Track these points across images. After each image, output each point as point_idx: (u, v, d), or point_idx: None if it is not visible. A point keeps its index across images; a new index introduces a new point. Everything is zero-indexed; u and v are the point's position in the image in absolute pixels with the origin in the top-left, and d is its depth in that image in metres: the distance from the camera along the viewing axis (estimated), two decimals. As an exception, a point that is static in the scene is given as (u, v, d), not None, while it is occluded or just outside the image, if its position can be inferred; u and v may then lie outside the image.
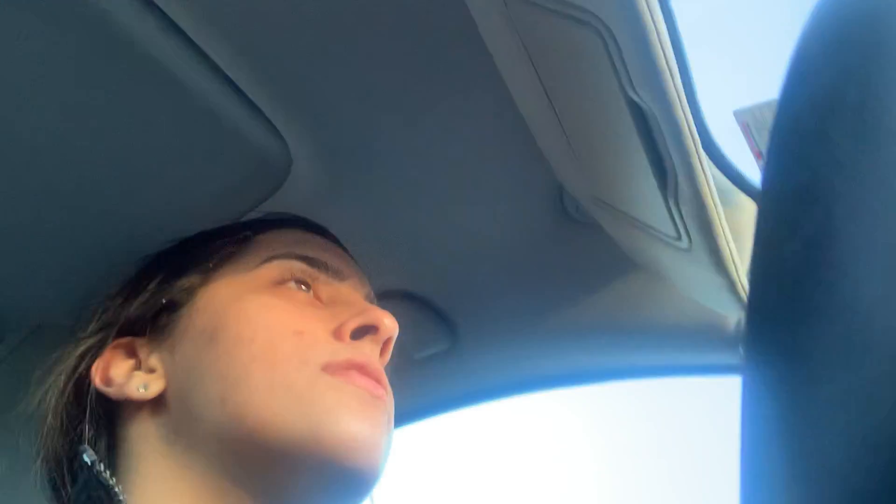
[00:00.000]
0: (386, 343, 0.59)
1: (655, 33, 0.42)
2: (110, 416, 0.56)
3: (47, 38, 0.52)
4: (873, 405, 0.15)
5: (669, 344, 0.81)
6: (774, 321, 0.17)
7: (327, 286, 0.61)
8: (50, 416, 0.57)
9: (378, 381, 0.56)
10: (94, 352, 0.58)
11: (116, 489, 0.51)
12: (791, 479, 0.16)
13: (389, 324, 0.58)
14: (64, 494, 0.55)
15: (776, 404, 0.17)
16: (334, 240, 0.68)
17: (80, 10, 0.50)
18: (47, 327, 0.73)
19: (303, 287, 0.60)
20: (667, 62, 0.43)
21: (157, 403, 0.55)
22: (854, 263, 0.16)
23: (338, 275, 0.62)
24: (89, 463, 0.52)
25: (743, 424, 0.18)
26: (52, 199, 0.64)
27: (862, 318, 0.16)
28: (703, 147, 0.52)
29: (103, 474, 0.52)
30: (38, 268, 0.70)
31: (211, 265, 0.60)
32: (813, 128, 0.18)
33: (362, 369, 0.54)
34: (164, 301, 0.59)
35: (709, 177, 0.51)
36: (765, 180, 0.19)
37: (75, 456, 0.54)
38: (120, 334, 0.59)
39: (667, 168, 0.52)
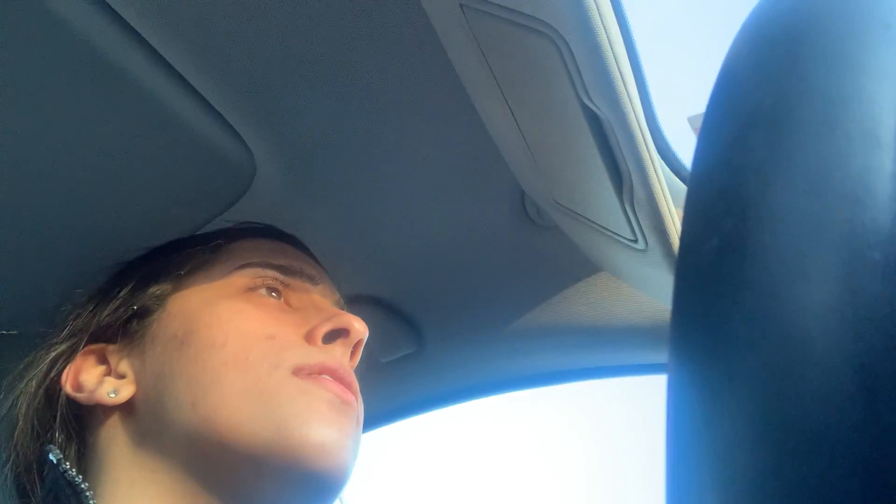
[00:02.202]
0: (356, 346, 0.60)
1: (608, 42, 0.43)
2: (81, 421, 0.57)
3: (7, 48, 0.52)
4: (781, 393, 0.16)
5: (631, 343, 0.82)
6: (695, 316, 0.19)
7: (298, 293, 0.62)
8: (21, 421, 0.57)
9: (349, 385, 0.56)
10: (66, 358, 0.58)
11: (83, 486, 0.51)
12: (714, 476, 0.17)
13: (360, 327, 0.59)
14: (33, 499, 0.55)
15: (697, 396, 0.18)
16: (304, 249, 0.69)
17: (40, 20, 0.50)
18: (15, 335, 0.72)
19: (273, 294, 0.61)
20: (620, 70, 0.45)
21: (127, 408, 0.55)
22: (764, 261, 0.18)
23: (310, 280, 0.63)
24: (55, 461, 0.52)
25: (668, 418, 0.19)
26: (17, 208, 0.64)
27: (771, 311, 0.17)
28: (657, 151, 0.54)
29: (69, 472, 0.52)
30: (6, 276, 0.70)
31: (183, 273, 0.61)
32: (733, 135, 0.20)
33: (334, 373, 0.55)
34: (135, 308, 0.59)
35: (662, 180, 0.53)
36: (691, 183, 0.21)
37: (45, 459, 0.54)
38: (91, 341, 0.59)
39: (622, 173, 0.53)
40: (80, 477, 0.52)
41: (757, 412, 0.17)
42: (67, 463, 0.53)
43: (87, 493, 0.51)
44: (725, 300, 0.18)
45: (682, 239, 0.20)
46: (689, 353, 0.18)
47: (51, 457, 0.53)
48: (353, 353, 0.60)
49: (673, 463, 0.19)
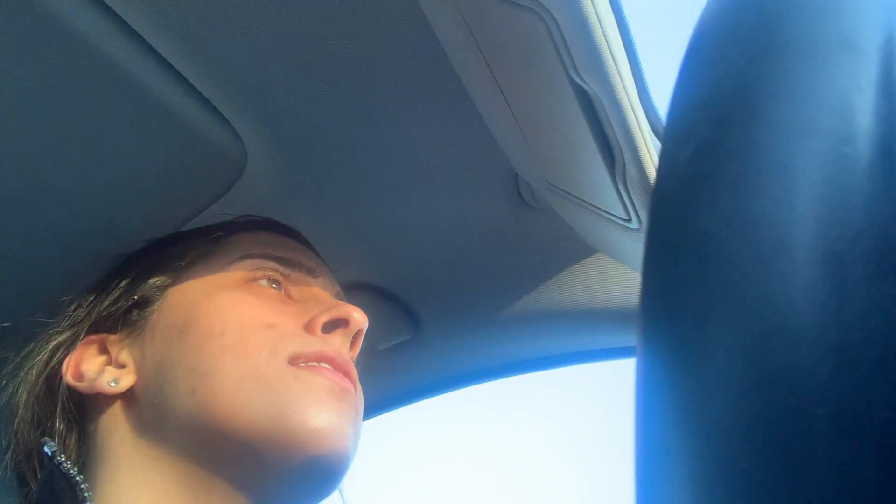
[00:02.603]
0: (356, 336, 0.60)
1: (596, 17, 0.43)
2: (81, 410, 0.57)
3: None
4: (755, 283, 0.17)
5: (627, 324, 0.82)
6: (670, 219, 0.19)
7: (298, 285, 0.63)
8: (21, 410, 0.58)
9: (347, 374, 0.56)
10: (66, 347, 0.59)
11: (78, 478, 0.51)
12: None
13: (359, 317, 0.59)
14: (32, 487, 0.56)
15: (669, 294, 0.18)
16: (305, 241, 0.69)
17: (29, 12, 0.50)
18: (14, 325, 0.72)
19: (274, 285, 0.61)
20: (609, 46, 0.44)
21: (127, 397, 0.56)
22: (742, 161, 0.18)
23: (310, 273, 0.64)
24: (50, 454, 0.53)
25: (640, 348, 0.19)
26: (10, 201, 0.64)
27: (746, 207, 0.18)
28: (650, 128, 0.54)
29: (64, 465, 0.52)
30: (4, 268, 0.70)
31: (183, 264, 0.61)
32: (713, 52, 0.21)
33: (332, 362, 0.56)
34: (135, 298, 0.60)
35: (655, 158, 0.52)
36: (670, 105, 0.21)
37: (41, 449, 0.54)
38: (92, 331, 0.59)
39: (614, 151, 0.53)
40: (76, 469, 0.52)
41: (727, 301, 0.18)
42: (63, 455, 0.53)
43: (83, 486, 0.51)
44: (697, 199, 0.19)
45: (662, 154, 0.21)
46: (662, 255, 0.19)
47: (45, 449, 0.53)
48: (352, 344, 0.60)
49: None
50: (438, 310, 0.89)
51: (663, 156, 0.20)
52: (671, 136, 0.20)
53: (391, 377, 0.95)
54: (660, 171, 0.20)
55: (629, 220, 0.59)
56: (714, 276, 0.18)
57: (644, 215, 0.57)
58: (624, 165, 0.53)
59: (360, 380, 0.60)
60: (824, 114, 0.18)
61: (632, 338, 0.83)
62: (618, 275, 0.80)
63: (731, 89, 0.20)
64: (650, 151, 0.52)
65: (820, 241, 0.17)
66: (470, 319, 0.89)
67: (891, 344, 0.16)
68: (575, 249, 0.80)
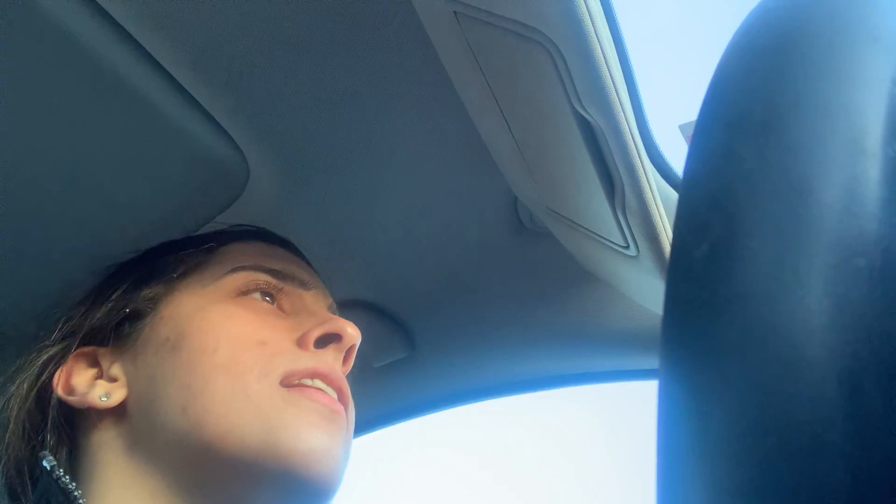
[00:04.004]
0: (349, 351, 0.59)
1: (601, 50, 0.43)
2: (72, 424, 0.56)
3: (4, 54, 0.52)
4: (768, 395, 0.17)
5: (622, 348, 0.83)
6: (685, 320, 0.19)
7: (291, 298, 0.62)
8: (12, 423, 0.57)
9: (339, 389, 0.56)
10: (57, 360, 0.58)
11: (76, 493, 0.51)
12: (703, 477, 0.18)
13: (352, 332, 0.58)
14: (24, 501, 0.55)
15: (687, 398, 0.18)
16: (297, 252, 0.69)
17: (36, 25, 0.51)
18: (6, 336, 0.72)
19: (267, 298, 0.60)
20: (612, 78, 0.45)
21: (118, 412, 0.55)
22: (753, 267, 0.18)
23: (302, 285, 0.63)
24: (49, 468, 0.52)
25: (659, 424, 0.19)
26: (10, 210, 0.64)
27: (758, 316, 0.18)
28: (649, 159, 0.54)
29: (63, 479, 0.52)
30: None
31: (175, 275, 0.61)
32: (724, 145, 0.21)
33: (325, 378, 0.55)
34: (127, 310, 0.59)
35: (654, 188, 0.53)
36: (682, 190, 0.21)
37: (36, 463, 0.54)
38: (83, 343, 0.59)
39: (614, 180, 0.54)
40: (74, 484, 0.52)
41: (745, 414, 0.17)
42: (61, 469, 0.53)
43: (81, 502, 0.51)
44: (714, 305, 0.19)
45: (673, 245, 0.20)
46: (679, 357, 0.19)
47: (44, 463, 0.53)
48: (345, 359, 0.60)
49: (663, 466, 0.19)
50: (435, 329, 0.89)
51: (676, 247, 0.20)
52: (685, 229, 0.20)
53: (386, 395, 0.95)
54: (674, 264, 0.20)
55: (627, 247, 0.60)
56: (732, 386, 0.18)
57: (642, 242, 0.58)
58: (623, 194, 0.54)
59: (355, 397, 0.59)
60: (836, 221, 0.18)
61: (628, 361, 0.83)
62: (614, 300, 0.80)
63: (744, 189, 0.19)
64: (650, 181, 0.53)
65: (837, 357, 0.17)
66: (466, 339, 0.89)
67: None
68: (572, 273, 0.80)
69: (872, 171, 0.19)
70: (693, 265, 0.19)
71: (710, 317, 0.19)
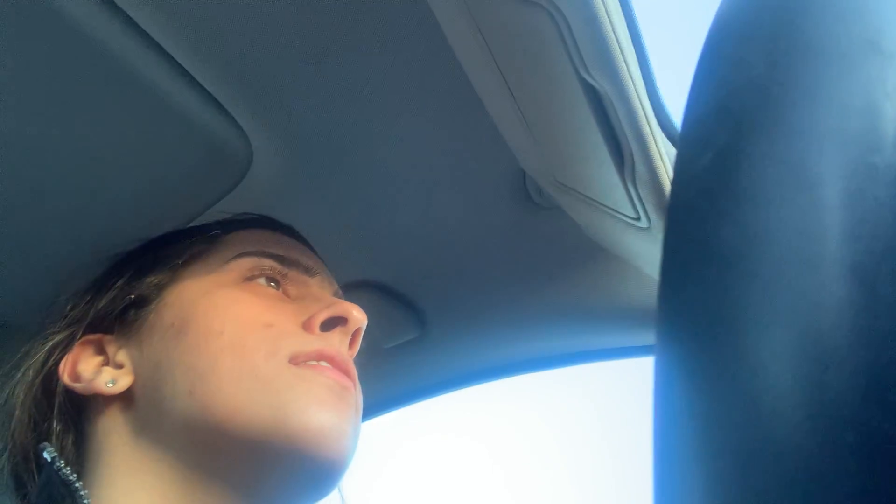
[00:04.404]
0: (355, 334, 0.59)
1: (606, 14, 0.42)
2: (78, 411, 0.57)
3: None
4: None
5: (635, 323, 0.82)
6: (688, 226, 0.18)
7: (296, 283, 0.62)
8: (18, 411, 0.57)
9: (346, 372, 0.56)
10: (63, 347, 0.58)
11: (77, 485, 0.51)
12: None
13: (358, 315, 0.58)
14: (29, 489, 0.55)
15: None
16: (302, 239, 0.69)
17: (33, 7, 0.50)
18: (10, 325, 0.72)
19: (272, 284, 0.60)
20: (619, 43, 0.44)
21: (125, 398, 0.55)
22: (760, 169, 0.18)
23: (307, 271, 0.63)
24: (49, 460, 0.52)
25: (657, 361, 0.18)
26: (12, 198, 0.64)
27: (765, 217, 0.17)
28: (659, 126, 0.53)
29: (64, 471, 0.52)
30: (3, 267, 0.70)
31: (180, 262, 0.61)
32: (731, 54, 0.20)
33: (331, 360, 0.55)
34: (132, 297, 0.59)
35: (664, 156, 0.52)
36: (686, 109, 0.20)
37: (40, 456, 0.54)
38: (88, 331, 0.59)
39: (623, 149, 0.52)
40: (75, 476, 0.52)
41: (752, 319, 0.17)
42: (63, 461, 0.53)
43: (82, 493, 0.51)
44: (717, 210, 0.18)
45: (677, 160, 0.20)
46: (681, 268, 0.18)
47: (45, 455, 0.53)
48: (352, 342, 0.60)
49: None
50: (445, 308, 0.88)
51: (679, 162, 0.20)
52: (688, 142, 0.19)
53: (397, 376, 0.95)
54: (676, 177, 0.19)
55: (638, 219, 0.59)
56: (737, 291, 0.17)
57: (653, 214, 0.56)
58: (633, 163, 0.53)
59: (365, 379, 0.59)
60: (850, 120, 0.17)
61: (641, 337, 0.83)
62: (626, 273, 0.79)
63: (751, 93, 0.19)
64: (660, 149, 0.51)
65: (848, 254, 0.16)
66: (476, 318, 0.88)
67: None
68: (583, 248, 0.79)
69: (890, 72, 0.18)
70: (695, 176, 0.19)
71: (713, 223, 0.18)
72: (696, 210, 0.18)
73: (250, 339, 0.53)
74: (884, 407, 0.15)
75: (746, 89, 0.19)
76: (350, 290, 0.68)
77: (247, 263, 0.60)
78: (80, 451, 0.55)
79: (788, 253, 0.17)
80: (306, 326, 0.56)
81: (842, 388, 0.15)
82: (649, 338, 0.82)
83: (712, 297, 0.17)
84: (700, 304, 0.18)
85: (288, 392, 0.51)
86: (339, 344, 0.57)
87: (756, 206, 0.17)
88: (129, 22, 0.53)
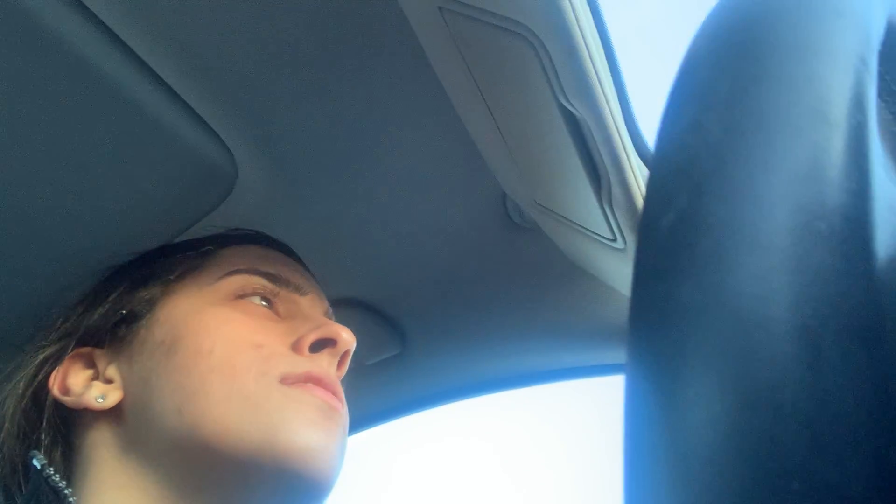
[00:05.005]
0: (343, 356, 0.60)
1: (584, 44, 0.44)
2: (67, 424, 0.57)
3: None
4: (729, 354, 0.17)
5: (612, 342, 0.83)
6: (651, 285, 0.20)
7: (287, 302, 0.62)
8: (7, 423, 0.57)
9: (334, 393, 0.56)
10: (54, 360, 0.58)
11: (66, 491, 0.51)
12: (667, 429, 0.18)
13: (347, 337, 0.59)
14: (17, 501, 0.55)
15: (652, 359, 0.19)
16: (295, 256, 0.69)
17: (17, 22, 0.50)
18: (2, 339, 0.72)
19: (263, 302, 0.61)
20: (597, 72, 0.46)
21: (114, 413, 0.55)
22: (717, 233, 0.19)
23: (298, 290, 0.63)
24: (39, 467, 0.52)
25: (627, 386, 0.20)
26: (2, 213, 0.64)
27: (720, 278, 0.19)
28: (635, 151, 0.55)
29: (53, 478, 0.52)
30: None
31: (172, 277, 0.61)
32: (690, 118, 0.21)
33: (319, 382, 0.55)
34: (123, 312, 0.59)
35: (640, 180, 0.53)
36: (652, 165, 0.22)
37: (29, 464, 0.54)
38: (79, 344, 0.59)
39: (600, 173, 0.54)
40: (64, 483, 0.52)
41: (709, 377, 0.18)
42: (52, 468, 0.53)
43: (71, 500, 0.51)
44: (679, 270, 0.19)
45: (642, 217, 0.21)
46: (645, 325, 0.19)
47: (34, 462, 0.53)
48: (340, 363, 0.60)
49: (630, 431, 0.19)
50: (426, 325, 0.89)
51: (646, 218, 0.21)
52: (653, 200, 0.21)
53: (378, 392, 0.95)
54: (642, 233, 0.21)
55: (614, 240, 0.60)
56: (695, 347, 0.18)
57: (629, 235, 0.58)
58: (610, 187, 0.54)
59: (347, 395, 0.60)
60: (798, 187, 0.19)
61: (617, 354, 0.84)
62: (602, 293, 0.81)
63: (708, 158, 0.20)
64: (635, 174, 0.53)
65: (796, 316, 0.17)
66: (457, 335, 0.89)
67: (863, 420, 0.17)
68: (561, 268, 0.80)
69: (835, 140, 0.19)
70: (659, 235, 0.20)
71: (675, 281, 0.19)
72: (659, 267, 0.20)
73: (240, 359, 0.54)
74: (826, 458, 0.16)
75: (704, 154, 0.20)
76: (332, 306, 0.69)
77: (238, 281, 0.60)
78: (69, 464, 0.55)
79: (743, 313, 0.18)
80: (295, 347, 0.57)
81: (789, 440, 0.17)
82: (622, 356, 0.84)
83: (673, 350, 0.19)
84: (662, 356, 0.19)
85: (277, 413, 0.52)
86: (327, 366, 0.57)
87: (714, 268, 0.19)
88: (114, 38, 0.54)
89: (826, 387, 0.17)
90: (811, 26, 0.21)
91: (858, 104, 0.20)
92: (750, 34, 0.22)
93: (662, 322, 0.19)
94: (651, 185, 0.21)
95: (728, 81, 0.21)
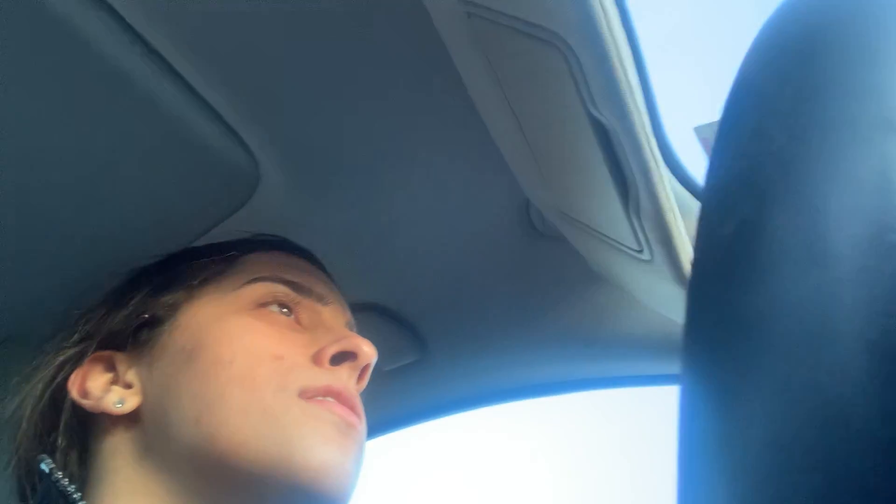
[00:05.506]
0: (363, 370, 0.59)
1: (616, 52, 0.43)
2: (84, 427, 0.56)
3: (11, 54, 0.52)
4: (796, 370, 0.17)
5: (635, 354, 0.82)
6: (710, 297, 0.19)
7: (309, 310, 0.62)
8: (24, 424, 0.57)
9: (353, 408, 0.56)
10: (74, 362, 0.58)
11: (75, 496, 0.51)
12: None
13: (368, 351, 0.58)
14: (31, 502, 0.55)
15: (711, 374, 0.18)
16: (318, 264, 0.69)
17: (45, 25, 0.51)
18: (17, 338, 0.72)
19: (284, 310, 0.60)
20: (627, 80, 0.45)
21: (132, 419, 0.55)
22: (781, 243, 0.18)
23: (320, 300, 0.63)
24: (47, 471, 0.52)
25: (680, 423, 0.19)
26: (22, 213, 0.64)
27: (786, 290, 0.18)
28: (664, 161, 0.54)
29: (61, 482, 0.52)
30: (10, 280, 0.70)
31: (196, 283, 0.61)
32: (753, 125, 0.21)
33: (339, 396, 0.55)
34: (146, 316, 0.59)
35: (668, 191, 0.52)
36: (708, 174, 0.21)
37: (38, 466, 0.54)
38: (100, 347, 0.59)
39: (628, 183, 0.53)
40: (73, 487, 0.52)
41: (772, 387, 0.17)
42: (60, 472, 0.53)
43: None
44: (742, 277, 0.19)
45: (700, 226, 0.21)
46: (703, 332, 0.19)
47: (42, 466, 0.53)
48: (360, 377, 0.59)
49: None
50: (446, 332, 0.89)
51: (704, 225, 0.20)
52: (712, 207, 0.20)
53: (397, 398, 0.95)
54: (700, 240, 0.20)
55: (641, 252, 0.60)
56: (757, 359, 0.18)
57: (656, 247, 0.57)
58: (638, 197, 0.53)
59: (365, 401, 0.60)
60: (866, 197, 0.18)
61: (640, 366, 0.83)
62: (626, 304, 0.80)
63: (773, 166, 0.19)
64: (664, 185, 0.52)
65: (868, 330, 0.17)
66: (477, 343, 0.89)
67: None
68: (584, 278, 0.80)
69: None
70: (719, 243, 0.19)
71: (737, 290, 0.19)
72: (721, 275, 0.19)
73: (259, 371, 0.53)
74: (894, 478, 0.16)
75: (768, 161, 0.20)
76: (352, 311, 0.69)
77: (260, 289, 0.60)
78: (84, 467, 0.55)
79: (806, 324, 0.17)
80: (316, 360, 0.56)
81: (857, 458, 0.16)
82: (650, 367, 0.83)
83: (733, 361, 0.18)
84: (721, 367, 0.18)
85: (295, 428, 0.52)
86: (347, 379, 0.57)
87: (776, 277, 0.18)
88: (137, 39, 0.54)
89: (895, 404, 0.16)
90: (875, 34, 0.21)
91: None
92: (812, 42, 0.21)
93: (722, 329, 0.18)
94: (709, 192, 0.20)
95: (791, 89, 0.21)
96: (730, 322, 0.18)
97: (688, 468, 0.18)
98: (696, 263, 0.20)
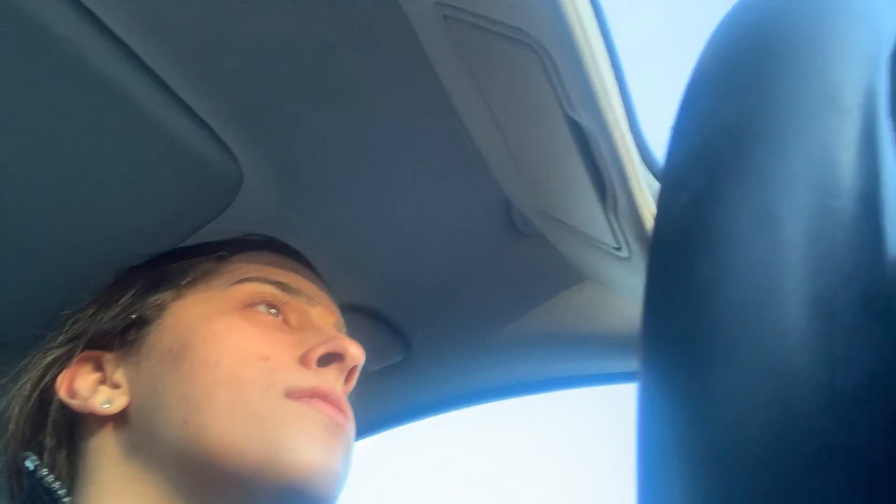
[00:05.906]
0: (351, 371, 0.60)
1: (591, 54, 0.44)
2: (72, 427, 0.57)
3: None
4: (746, 324, 0.18)
5: (617, 351, 0.83)
6: (667, 262, 0.21)
7: (297, 311, 0.62)
8: (12, 425, 0.57)
9: (340, 409, 0.56)
10: (62, 363, 0.58)
11: (60, 492, 0.51)
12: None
13: (356, 353, 0.59)
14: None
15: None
16: (308, 265, 0.69)
17: (25, 29, 0.51)
18: (7, 340, 0.72)
19: (272, 311, 0.60)
20: (603, 81, 0.46)
21: (119, 419, 0.55)
22: (731, 211, 0.20)
23: (308, 300, 0.63)
24: (32, 468, 0.52)
25: (640, 385, 0.20)
26: (9, 214, 0.64)
27: (735, 254, 0.20)
28: (641, 160, 0.55)
29: (46, 479, 0.52)
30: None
31: (184, 283, 0.61)
32: (708, 106, 0.23)
33: (326, 397, 0.55)
34: (134, 316, 0.59)
35: (645, 190, 0.53)
36: (667, 154, 0.23)
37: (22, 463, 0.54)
38: (88, 347, 0.59)
39: (605, 182, 0.54)
40: (58, 484, 0.52)
41: (724, 350, 0.19)
42: (46, 470, 0.53)
43: (65, 500, 0.51)
44: (694, 246, 0.20)
45: (660, 198, 0.22)
46: (661, 295, 0.20)
47: (27, 463, 0.53)
48: (347, 378, 0.60)
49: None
50: (430, 333, 0.89)
51: (661, 200, 0.22)
52: (668, 183, 0.22)
53: (382, 399, 0.95)
54: (659, 214, 0.22)
55: (619, 249, 0.60)
56: (712, 320, 0.19)
57: (634, 244, 0.58)
58: (615, 196, 0.54)
59: (351, 402, 0.60)
60: (811, 168, 0.20)
61: (622, 363, 0.84)
62: (607, 301, 0.81)
63: (724, 141, 0.21)
64: (640, 183, 0.53)
65: (809, 288, 0.18)
66: (461, 343, 0.89)
67: (874, 385, 0.17)
68: (565, 276, 0.80)
69: (848, 125, 0.20)
70: (674, 214, 0.21)
71: (690, 258, 0.20)
72: (676, 245, 0.21)
73: (246, 371, 0.53)
74: (839, 422, 0.17)
75: (720, 138, 0.21)
76: (336, 312, 0.69)
77: (248, 289, 0.60)
78: (73, 467, 0.55)
79: (757, 286, 0.19)
80: (303, 360, 0.57)
81: (804, 405, 0.18)
82: (629, 365, 0.83)
83: (691, 323, 0.20)
84: (680, 330, 0.20)
85: (281, 428, 0.52)
86: (334, 380, 0.57)
87: (728, 244, 0.20)
88: (116, 41, 0.54)
89: (838, 355, 0.18)
90: (825, 25, 0.22)
91: (870, 95, 0.21)
92: (765, 32, 0.23)
93: (678, 297, 0.20)
94: (667, 168, 0.22)
95: (743, 72, 0.22)
96: (686, 287, 0.20)
97: (646, 418, 0.20)
98: (654, 237, 0.21)
